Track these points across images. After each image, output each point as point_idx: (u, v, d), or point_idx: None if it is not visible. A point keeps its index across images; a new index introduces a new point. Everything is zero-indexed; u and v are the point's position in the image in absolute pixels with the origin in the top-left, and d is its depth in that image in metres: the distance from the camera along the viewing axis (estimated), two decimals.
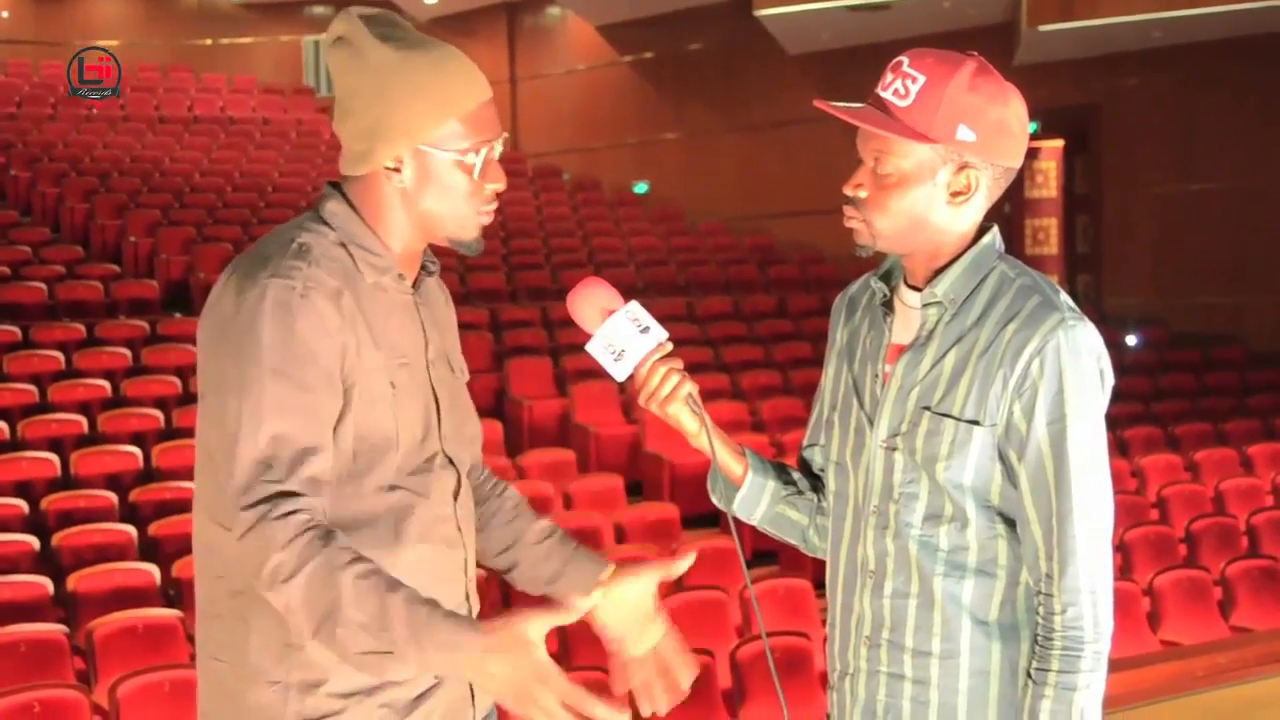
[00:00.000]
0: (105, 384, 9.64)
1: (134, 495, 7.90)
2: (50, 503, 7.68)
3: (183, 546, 7.02)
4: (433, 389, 2.17)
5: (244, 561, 1.95)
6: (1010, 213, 15.11)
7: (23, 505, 7.63)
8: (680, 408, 2.20)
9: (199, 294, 12.12)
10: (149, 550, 7.25)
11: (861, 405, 2.19)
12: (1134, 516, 8.41)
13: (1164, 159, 14.37)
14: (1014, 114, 2.09)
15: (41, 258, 12.68)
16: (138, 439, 8.77)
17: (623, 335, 2.17)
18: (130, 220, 13.53)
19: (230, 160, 16.39)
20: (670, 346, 2.19)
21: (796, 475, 2.36)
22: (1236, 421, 11.32)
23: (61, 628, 6.11)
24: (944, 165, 2.08)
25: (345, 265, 2.08)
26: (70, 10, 22.17)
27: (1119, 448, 10.12)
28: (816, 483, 2.35)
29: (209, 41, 22.60)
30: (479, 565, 2.32)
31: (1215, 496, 9.22)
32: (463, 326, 2.36)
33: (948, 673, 2.11)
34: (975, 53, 2.12)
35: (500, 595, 6.19)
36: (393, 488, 2.09)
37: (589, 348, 2.19)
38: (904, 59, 2.09)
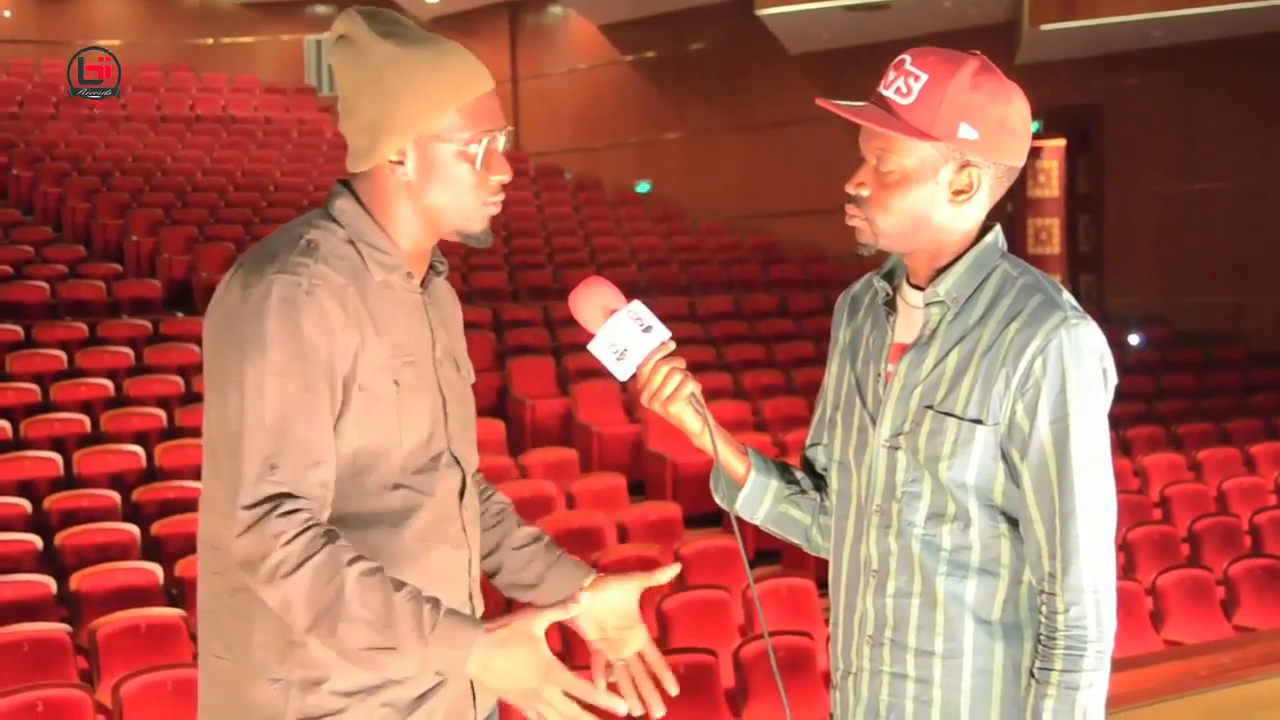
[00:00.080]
0: (108, 383, 9.64)
1: (137, 494, 7.90)
2: (53, 502, 7.69)
3: (185, 546, 7.03)
4: (440, 388, 2.17)
5: (243, 557, 1.95)
6: (1012, 212, 15.10)
7: (25, 505, 7.64)
8: (683, 407, 2.20)
9: (201, 293, 12.13)
10: (152, 550, 7.25)
11: (864, 404, 2.19)
12: (1137, 516, 8.40)
13: (1165, 158, 14.37)
14: (1016, 113, 2.09)
15: (44, 257, 12.69)
16: (140, 438, 8.77)
17: (625, 334, 2.17)
18: (132, 219, 13.54)
19: (232, 160, 16.40)
20: (673, 346, 2.19)
21: (799, 474, 2.36)
22: (1239, 421, 11.31)
23: (64, 627, 6.11)
24: (946, 164, 2.08)
25: (353, 262, 2.08)
26: (72, 10, 22.18)
27: (1121, 447, 10.12)
28: (819, 482, 2.35)
29: (211, 41, 22.61)
30: None
31: (1218, 496, 9.22)
32: (465, 326, 2.36)
33: (951, 672, 2.11)
34: (978, 51, 2.12)
35: (505, 596, 6.19)
36: (397, 486, 2.09)
37: (591, 347, 2.19)
38: (906, 57, 2.09)
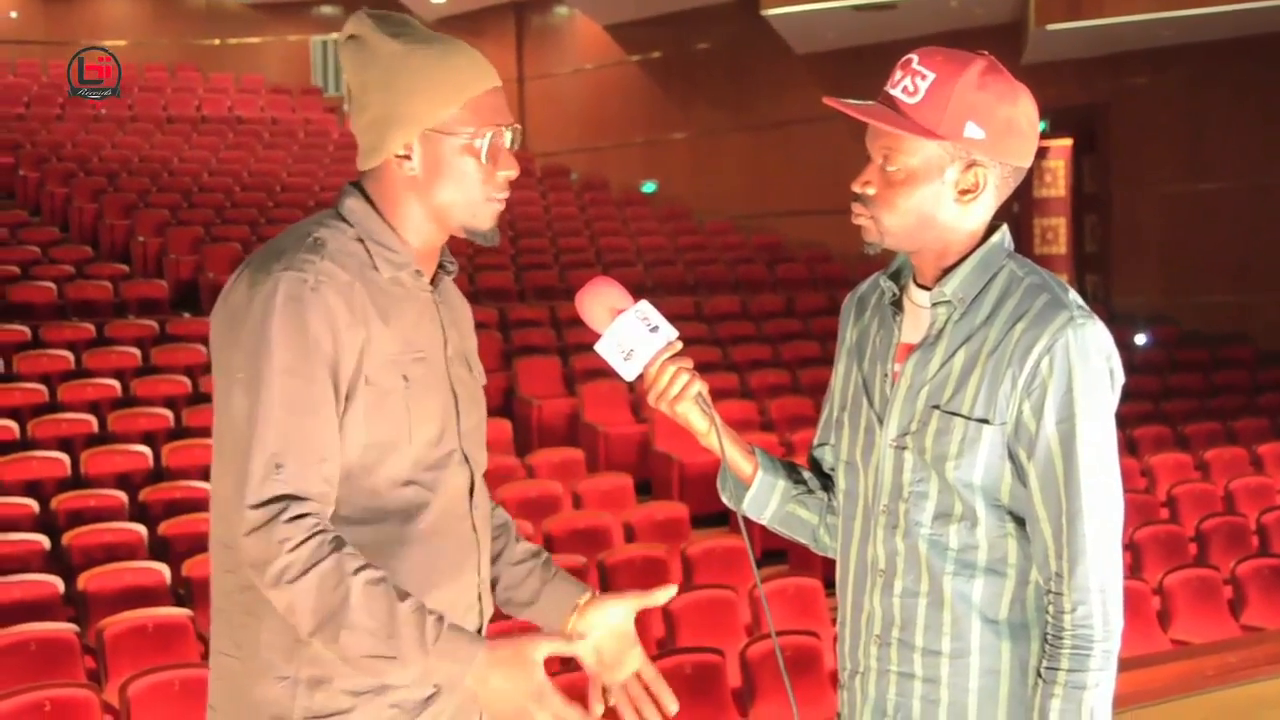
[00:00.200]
0: (115, 383, 9.65)
1: (144, 494, 7.92)
2: (60, 502, 7.70)
3: (193, 546, 7.04)
4: (452, 386, 2.18)
5: (250, 557, 1.96)
6: (1019, 212, 15.10)
7: (33, 505, 7.65)
8: (690, 407, 2.20)
9: (208, 294, 12.15)
10: (159, 549, 7.26)
11: (871, 404, 2.19)
12: (1144, 515, 8.40)
13: (1172, 158, 14.36)
14: (1023, 113, 2.09)
15: (51, 257, 12.71)
16: (147, 438, 8.79)
17: (632, 334, 2.17)
18: (139, 220, 13.56)
19: (238, 160, 16.42)
20: (680, 345, 2.19)
21: (806, 474, 2.36)
22: (1246, 420, 11.31)
23: (72, 627, 6.12)
24: (952, 163, 2.08)
25: (361, 260, 2.09)
26: (78, 10, 22.21)
27: (1128, 447, 10.11)
28: (827, 482, 2.35)
29: (217, 41, 22.63)
30: None
31: (1225, 495, 9.21)
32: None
33: (958, 672, 2.11)
34: (985, 51, 2.12)
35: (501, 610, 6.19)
36: (408, 483, 2.09)
37: (598, 347, 2.19)
38: (914, 56, 2.09)
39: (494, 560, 2.35)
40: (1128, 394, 2.20)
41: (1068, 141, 15.56)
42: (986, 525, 2.09)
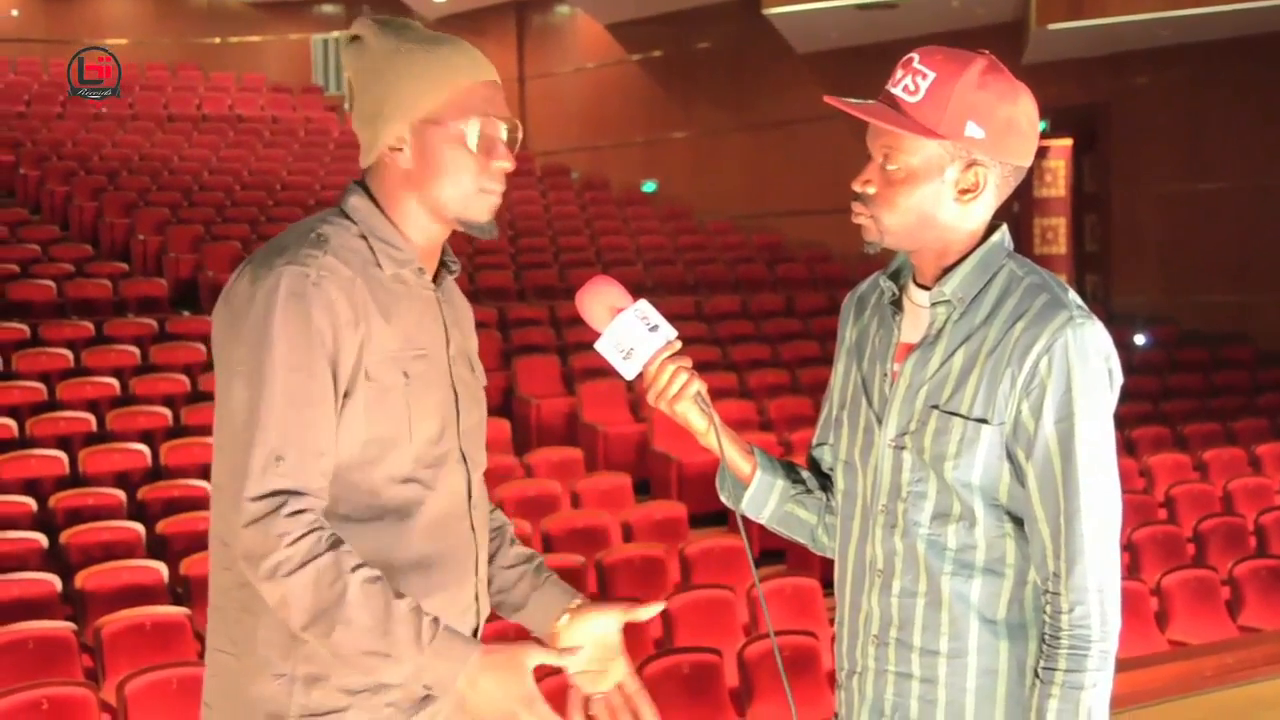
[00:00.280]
0: (114, 382, 9.65)
1: (142, 493, 7.91)
2: (59, 500, 7.70)
3: (191, 544, 7.04)
4: (453, 385, 2.18)
5: (246, 550, 1.96)
6: (1019, 211, 15.10)
7: (31, 503, 7.65)
8: (689, 406, 2.20)
9: (207, 292, 12.15)
10: (157, 548, 7.26)
11: (870, 404, 2.19)
12: (1142, 516, 8.39)
13: (1172, 158, 14.36)
14: (1023, 112, 2.09)
15: (50, 256, 12.70)
16: (146, 437, 8.79)
17: (631, 333, 2.17)
18: (139, 218, 13.56)
19: (239, 159, 16.42)
20: (679, 345, 2.19)
21: (805, 474, 2.35)
22: (1245, 421, 11.31)
23: (70, 625, 6.11)
24: (952, 162, 2.08)
25: (364, 257, 2.10)
26: (79, 9, 22.22)
27: (1127, 447, 10.11)
28: (825, 481, 2.34)
29: (218, 40, 22.63)
30: None
31: (1224, 496, 9.21)
32: None
33: (955, 672, 2.11)
34: (986, 50, 2.12)
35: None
36: (407, 480, 2.10)
37: (598, 346, 2.19)
38: (914, 55, 2.09)
39: (489, 560, 2.36)
40: (1127, 394, 2.19)
41: (1068, 141, 15.56)
42: (985, 525, 2.09)
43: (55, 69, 18.63)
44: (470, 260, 13.37)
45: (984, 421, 2.05)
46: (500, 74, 2.19)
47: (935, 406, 2.09)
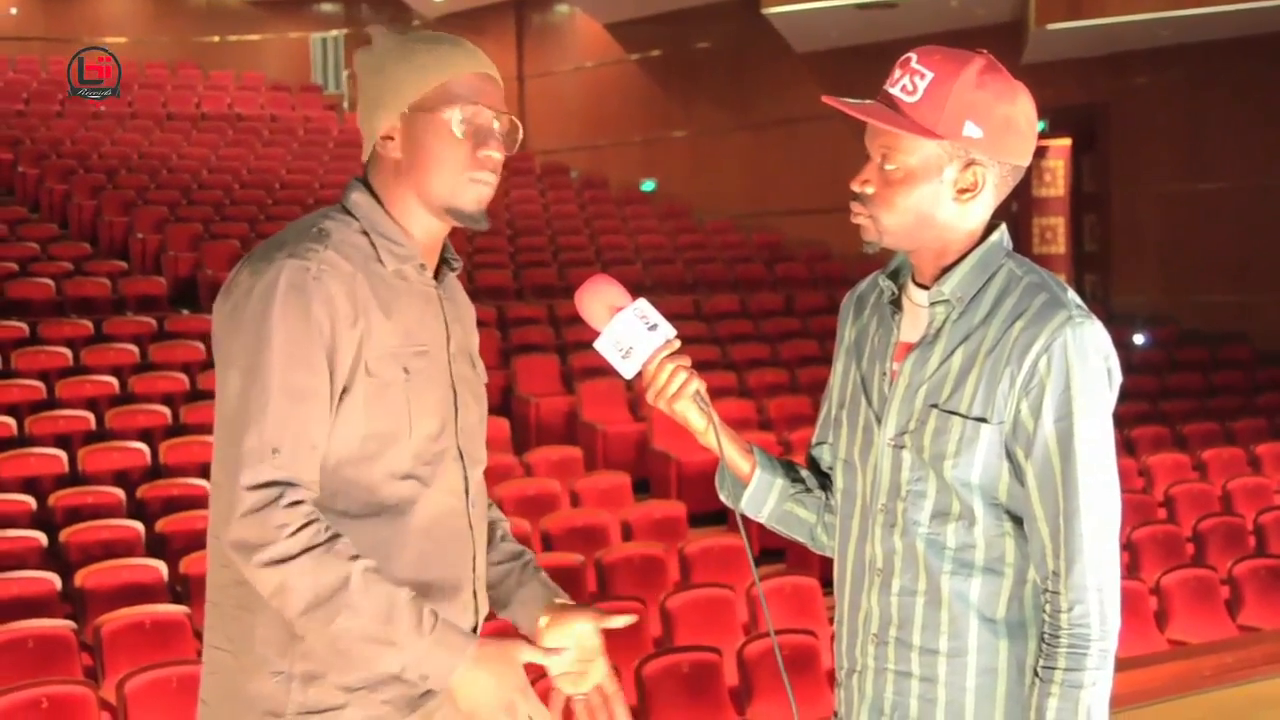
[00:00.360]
0: (113, 380, 9.65)
1: (141, 491, 7.91)
2: (58, 499, 7.70)
3: (190, 543, 7.04)
4: (453, 382, 2.19)
5: (240, 539, 1.96)
6: (1018, 211, 15.10)
7: (31, 501, 7.64)
8: (688, 405, 2.20)
9: (206, 290, 12.14)
10: (156, 546, 7.26)
11: (869, 403, 2.19)
12: (1141, 515, 8.40)
13: (1172, 157, 14.36)
14: (1022, 111, 2.09)
15: (49, 254, 12.69)
16: (145, 435, 8.78)
17: (630, 332, 2.17)
18: (138, 217, 13.55)
19: (238, 157, 16.41)
20: (678, 344, 2.19)
21: (805, 473, 2.35)
22: (1244, 420, 11.31)
23: (69, 624, 6.11)
24: (951, 162, 2.08)
25: (365, 252, 2.11)
26: (78, 7, 22.21)
27: (1126, 447, 10.11)
28: (825, 480, 2.35)
29: (217, 38, 22.63)
30: None
31: (1223, 495, 9.21)
32: None
33: (955, 670, 2.11)
34: (985, 50, 2.12)
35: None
36: (406, 476, 2.10)
37: (597, 345, 2.19)
38: (912, 55, 2.09)
39: None
40: (1125, 394, 2.20)
41: (1067, 141, 15.56)
42: (984, 524, 2.09)
43: (54, 67, 18.63)
44: (469, 259, 13.38)
45: (983, 420, 2.05)
46: (499, 73, 2.19)
47: (934, 405, 2.09)
